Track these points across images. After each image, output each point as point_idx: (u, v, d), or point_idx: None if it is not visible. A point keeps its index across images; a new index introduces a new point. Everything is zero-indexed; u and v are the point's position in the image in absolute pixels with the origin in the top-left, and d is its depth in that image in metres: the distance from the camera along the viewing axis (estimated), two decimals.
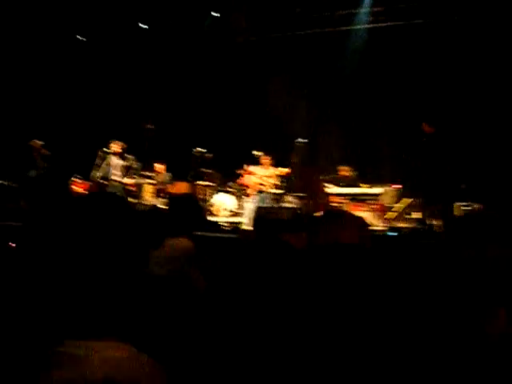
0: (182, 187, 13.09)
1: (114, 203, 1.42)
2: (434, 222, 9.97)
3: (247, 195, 12.51)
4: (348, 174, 12.63)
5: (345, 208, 11.49)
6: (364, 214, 10.87)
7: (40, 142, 13.48)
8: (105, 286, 1.31)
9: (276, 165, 12.38)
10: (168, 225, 3.71)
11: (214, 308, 2.80)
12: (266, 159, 12.36)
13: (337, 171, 12.86)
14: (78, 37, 16.72)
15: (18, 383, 1.28)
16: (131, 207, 1.45)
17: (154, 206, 10.90)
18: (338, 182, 12.55)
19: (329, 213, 3.26)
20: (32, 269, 1.40)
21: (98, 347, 1.28)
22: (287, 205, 12.17)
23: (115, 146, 12.82)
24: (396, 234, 9.85)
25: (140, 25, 16.05)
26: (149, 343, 1.55)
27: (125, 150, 12.96)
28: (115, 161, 12.76)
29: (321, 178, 12.80)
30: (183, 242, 3.71)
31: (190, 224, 3.79)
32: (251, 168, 12.47)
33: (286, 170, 12.13)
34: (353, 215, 3.01)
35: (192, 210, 3.79)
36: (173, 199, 4.00)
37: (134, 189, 13.33)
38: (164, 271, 3.46)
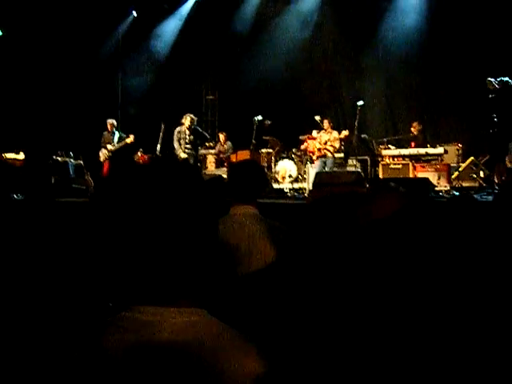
0: (244, 155, 13.13)
1: (180, 169, 1.40)
2: (503, 180, 9.75)
3: (311, 161, 12.46)
4: (417, 133, 12.33)
5: (408, 169, 11.37)
6: (429, 174, 10.74)
7: (112, 121, 13.77)
8: (177, 251, 1.28)
9: (337, 128, 12.26)
10: (230, 193, 3.66)
11: (285, 276, 2.84)
12: (326, 123, 12.24)
13: (409, 128, 12.56)
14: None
15: (80, 347, 1.28)
16: (199, 173, 1.44)
17: (217, 175, 10.98)
18: (403, 143, 12.38)
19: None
20: (100, 236, 1.39)
21: (167, 313, 1.28)
22: (351, 168, 12.10)
23: (187, 120, 12.90)
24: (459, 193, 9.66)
25: None
26: (223, 308, 1.57)
27: (195, 123, 13.02)
28: (185, 134, 12.84)
29: (385, 139, 12.66)
30: (248, 210, 3.64)
31: (254, 191, 3.71)
32: (313, 133, 12.40)
33: (345, 133, 11.98)
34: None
35: (254, 176, 3.72)
36: (233, 166, 3.93)
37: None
38: (232, 240, 3.45)
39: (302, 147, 12.77)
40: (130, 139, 13.39)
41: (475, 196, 8.15)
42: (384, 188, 2.70)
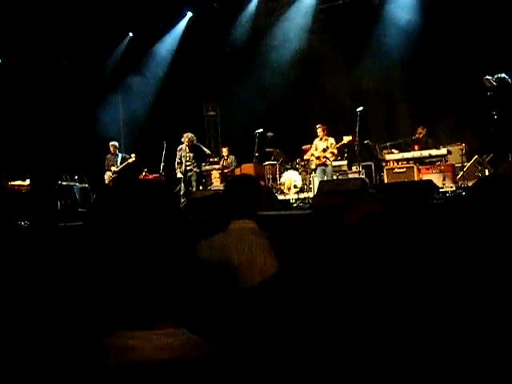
0: (248, 169, 13.16)
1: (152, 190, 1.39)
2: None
3: (314, 170, 12.44)
4: (421, 136, 12.33)
5: (413, 172, 11.35)
6: (433, 176, 10.72)
7: (114, 143, 13.88)
8: (153, 274, 1.28)
9: (339, 135, 12.19)
10: (227, 207, 3.65)
11: (288, 289, 2.83)
12: (321, 130, 12.20)
13: (413, 132, 12.56)
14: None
15: (64, 374, 1.26)
16: (174, 194, 1.43)
17: (216, 191, 11.00)
18: (406, 146, 12.36)
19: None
20: (85, 260, 1.38)
21: (148, 336, 1.27)
22: (354, 175, 12.08)
23: (185, 138, 13.01)
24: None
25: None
26: (207, 328, 1.57)
27: (194, 141, 13.11)
28: (185, 152, 12.94)
29: (388, 144, 12.65)
30: (246, 224, 3.59)
31: (251, 205, 3.69)
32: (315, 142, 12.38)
33: (348, 138, 11.91)
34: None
35: (250, 190, 3.70)
36: (229, 182, 3.93)
37: None
38: (231, 255, 3.44)
39: (305, 157, 12.75)
40: (132, 158, 13.49)
41: None
42: (359, 194, 2.71)
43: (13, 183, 13.06)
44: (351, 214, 2.40)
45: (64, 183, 13.55)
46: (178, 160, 12.94)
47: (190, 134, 13.03)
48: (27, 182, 13.02)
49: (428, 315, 1.88)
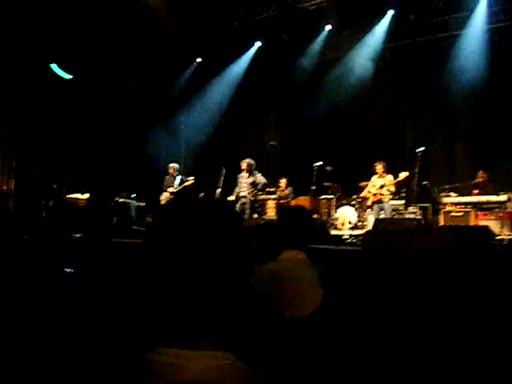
0: (304, 202, 13.12)
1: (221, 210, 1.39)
2: None
3: (370, 207, 12.35)
4: (482, 180, 12.11)
5: (470, 217, 11.14)
6: (490, 222, 10.51)
7: (174, 165, 14.03)
8: (203, 293, 1.28)
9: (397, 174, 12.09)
10: (279, 237, 3.67)
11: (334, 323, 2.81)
12: (379, 167, 12.18)
13: (474, 176, 12.36)
14: None
15: None
16: (238, 217, 1.44)
17: (270, 220, 11.00)
18: (465, 190, 12.15)
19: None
20: (137, 277, 1.39)
21: (193, 356, 1.26)
22: (410, 215, 11.94)
23: (244, 164, 13.10)
24: None
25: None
26: (250, 352, 1.56)
27: (253, 167, 13.18)
28: (244, 178, 13.03)
29: (447, 186, 12.46)
30: (298, 255, 3.63)
31: (303, 236, 3.71)
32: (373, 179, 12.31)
33: (405, 174, 11.79)
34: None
35: (303, 221, 3.72)
36: (282, 212, 3.95)
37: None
38: (280, 285, 3.44)
39: (362, 194, 12.68)
40: (190, 181, 13.60)
41: None
42: (429, 226, 2.71)
43: (71, 196, 13.34)
44: (417, 241, 2.39)
45: (121, 200, 13.78)
46: (237, 186, 13.08)
47: (250, 160, 13.12)
48: (85, 195, 13.27)
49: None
